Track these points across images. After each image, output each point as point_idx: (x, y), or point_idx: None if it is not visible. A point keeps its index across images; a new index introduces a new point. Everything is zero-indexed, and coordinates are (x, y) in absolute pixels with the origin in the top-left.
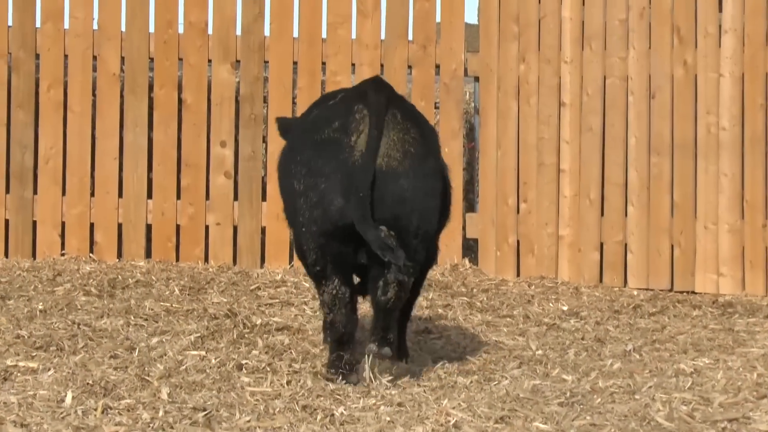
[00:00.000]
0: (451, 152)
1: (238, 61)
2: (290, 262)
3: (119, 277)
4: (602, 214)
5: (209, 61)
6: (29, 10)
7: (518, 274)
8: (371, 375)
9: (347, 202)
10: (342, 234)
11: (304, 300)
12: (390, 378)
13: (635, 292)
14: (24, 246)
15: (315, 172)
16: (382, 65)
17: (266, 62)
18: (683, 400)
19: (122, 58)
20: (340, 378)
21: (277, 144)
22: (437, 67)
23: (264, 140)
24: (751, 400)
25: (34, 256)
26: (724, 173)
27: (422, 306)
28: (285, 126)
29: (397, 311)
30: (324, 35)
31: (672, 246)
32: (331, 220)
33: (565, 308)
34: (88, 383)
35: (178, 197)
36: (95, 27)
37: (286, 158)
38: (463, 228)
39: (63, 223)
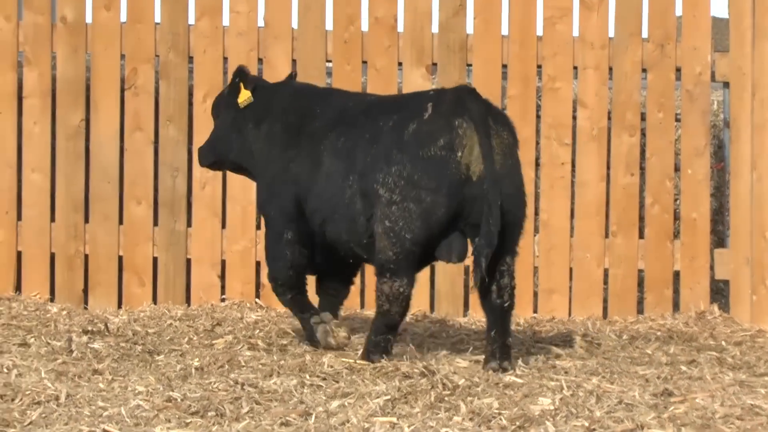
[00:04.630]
0: (695, 174)
1: (434, 64)
2: None
3: (289, 328)
4: None
5: (399, 64)
6: (181, 4)
7: None
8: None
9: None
10: (430, 242)
11: (515, 354)
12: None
13: None
14: (176, 289)
15: (417, 185)
16: (610, 68)
17: (469, 65)
18: None
19: (293, 61)
20: (383, 358)
21: None
22: (678, 70)
23: None
24: None
25: (188, 301)
26: None
27: (661, 363)
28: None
29: (511, 314)
30: (539, 32)
31: None
32: (431, 231)
33: None
34: None
35: None
36: (261, 24)
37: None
38: (711, 267)
39: (223, 262)
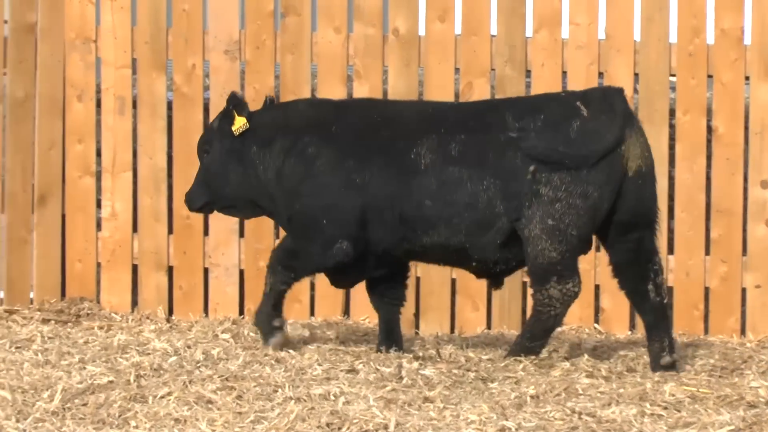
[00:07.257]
0: None
1: None
2: None
3: (629, 355)
4: None
5: (746, 78)
6: (518, 16)
7: None
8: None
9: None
10: (591, 238)
11: None
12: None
13: None
14: (511, 314)
15: (585, 181)
16: None
17: None
18: None
19: (635, 75)
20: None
21: None
22: None
23: None
24: None
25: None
26: None
27: None
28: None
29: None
30: None
31: None
32: (594, 226)
33: None
34: None
35: (707, 252)
36: (601, 36)
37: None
38: None
39: None
